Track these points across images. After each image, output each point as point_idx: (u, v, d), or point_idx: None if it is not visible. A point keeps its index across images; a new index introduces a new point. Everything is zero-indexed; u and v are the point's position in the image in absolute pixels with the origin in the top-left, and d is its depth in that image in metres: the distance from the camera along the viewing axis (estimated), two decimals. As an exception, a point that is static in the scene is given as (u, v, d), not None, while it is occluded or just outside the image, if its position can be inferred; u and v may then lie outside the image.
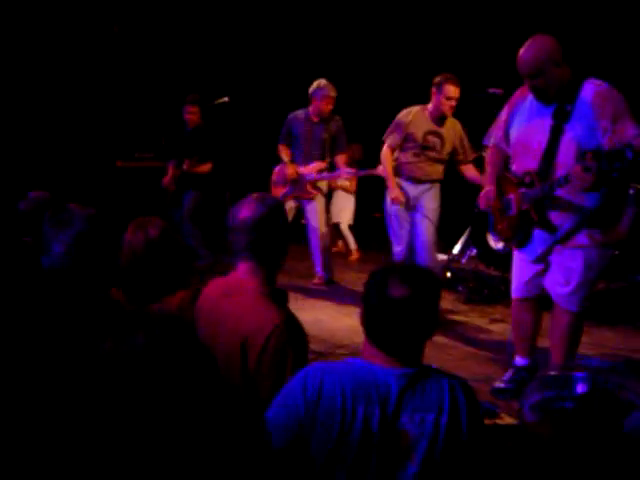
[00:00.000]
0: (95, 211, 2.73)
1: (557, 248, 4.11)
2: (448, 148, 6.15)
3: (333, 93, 6.88)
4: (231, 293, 2.58)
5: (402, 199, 6.07)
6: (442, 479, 2.04)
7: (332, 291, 6.98)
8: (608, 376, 4.33)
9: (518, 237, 4.29)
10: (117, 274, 2.82)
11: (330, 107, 6.93)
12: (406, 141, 6.10)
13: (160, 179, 7.85)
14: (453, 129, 6.19)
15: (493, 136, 4.46)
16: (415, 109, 6.13)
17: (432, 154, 6.10)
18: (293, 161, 7.10)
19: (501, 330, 5.86)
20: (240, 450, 1.97)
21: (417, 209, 6.20)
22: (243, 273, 2.61)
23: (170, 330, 1.76)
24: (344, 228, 8.81)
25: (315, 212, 7.10)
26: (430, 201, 6.22)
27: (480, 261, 7.38)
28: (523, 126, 4.16)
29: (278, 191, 7.10)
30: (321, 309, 6.33)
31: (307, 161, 7.03)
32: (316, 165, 7.00)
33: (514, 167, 4.26)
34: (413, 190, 6.18)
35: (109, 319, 2.42)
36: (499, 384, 4.47)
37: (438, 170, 6.20)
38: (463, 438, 2.06)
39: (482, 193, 4.49)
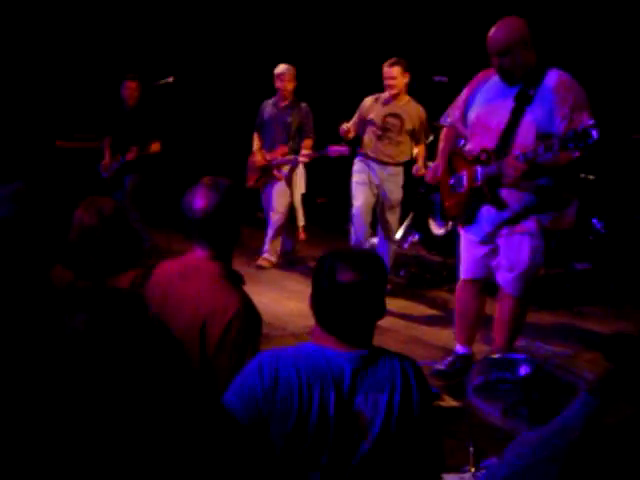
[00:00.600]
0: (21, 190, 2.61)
1: (505, 232, 4.16)
2: (408, 127, 6.37)
3: (287, 71, 6.99)
4: (188, 275, 2.57)
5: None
6: (393, 455, 2.08)
7: (274, 274, 6.96)
8: (549, 358, 4.44)
9: (465, 215, 4.33)
10: (63, 251, 2.75)
11: (287, 85, 7.01)
12: (368, 125, 6.37)
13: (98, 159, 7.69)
14: (415, 111, 6.46)
15: (450, 115, 4.50)
16: (377, 95, 6.45)
17: (392, 135, 6.33)
18: (263, 147, 7.25)
19: (442, 314, 5.93)
20: (199, 433, 1.95)
21: (383, 196, 6.46)
22: (201, 257, 2.60)
23: (118, 308, 1.72)
24: (296, 200, 8.75)
25: (277, 193, 7.19)
26: (394, 191, 6.50)
27: (422, 246, 7.45)
28: (484, 107, 4.21)
29: (251, 179, 7.29)
30: (263, 292, 6.30)
31: (274, 146, 7.16)
32: (280, 149, 7.10)
33: (469, 147, 4.30)
34: (379, 171, 6.40)
35: (48, 298, 2.38)
36: (439, 366, 4.53)
37: (403, 151, 6.44)
38: (414, 414, 2.10)
39: (431, 167, 4.51)
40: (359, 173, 6.50)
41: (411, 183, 7.77)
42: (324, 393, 2.03)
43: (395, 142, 6.40)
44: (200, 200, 2.57)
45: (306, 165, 7.26)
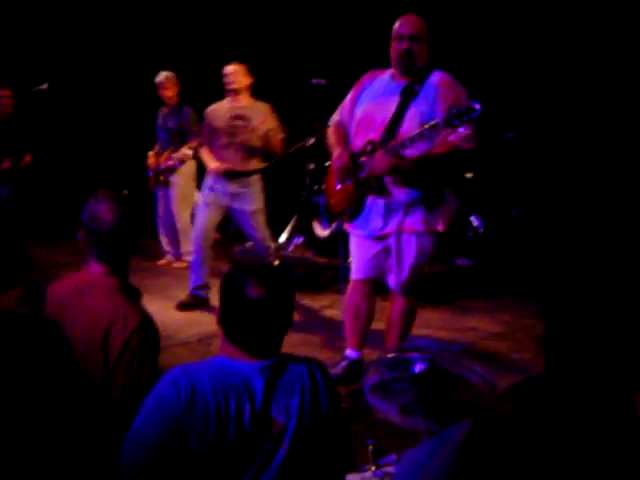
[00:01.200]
0: None
1: (393, 230, 4.22)
2: (258, 127, 6.13)
3: (164, 79, 7.12)
4: (85, 291, 2.54)
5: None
6: (306, 456, 2.12)
7: (160, 282, 6.84)
8: (442, 354, 4.52)
9: (352, 209, 4.36)
10: None
11: (166, 93, 7.17)
12: (212, 133, 6.21)
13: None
14: (262, 108, 6.26)
15: (338, 114, 4.55)
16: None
17: (241, 137, 6.09)
18: (158, 152, 7.43)
19: (331, 316, 5.98)
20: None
21: (236, 211, 6.29)
22: (97, 272, 2.58)
23: (28, 337, 1.66)
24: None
25: (171, 197, 7.42)
26: (248, 204, 6.27)
27: (307, 249, 7.48)
28: (371, 103, 4.29)
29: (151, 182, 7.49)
30: (149, 301, 6.17)
31: (162, 151, 7.34)
32: (164, 154, 7.26)
33: (354, 143, 4.35)
34: (228, 187, 6.18)
35: None
36: (336, 371, 4.52)
37: (253, 160, 6.22)
38: (323, 413, 2.16)
39: (335, 157, 4.43)
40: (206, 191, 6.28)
41: (294, 186, 7.84)
42: (239, 405, 2.04)
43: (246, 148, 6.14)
44: (108, 214, 2.54)
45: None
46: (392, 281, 4.34)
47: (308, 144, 7.46)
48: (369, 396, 3.15)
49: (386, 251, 4.31)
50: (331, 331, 5.49)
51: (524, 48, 7.49)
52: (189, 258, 7.07)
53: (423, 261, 4.30)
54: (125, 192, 2.71)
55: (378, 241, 4.31)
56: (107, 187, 2.66)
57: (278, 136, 6.27)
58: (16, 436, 1.65)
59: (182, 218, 7.45)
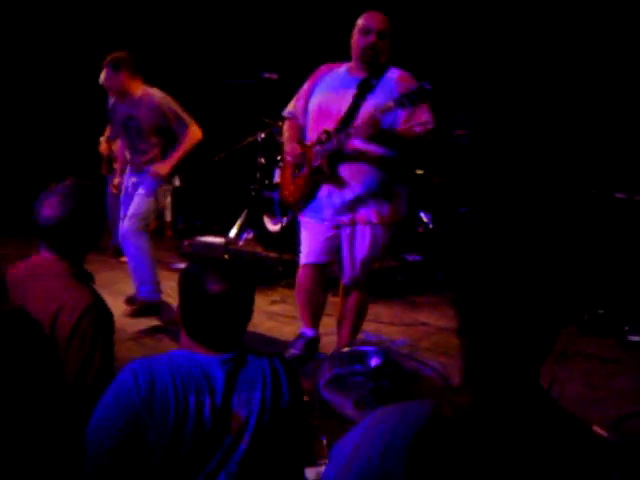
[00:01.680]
0: None
1: (346, 220, 4.24)
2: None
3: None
4: (37, 275, 2.51)
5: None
6: (267, 450, 2.10)
7: (107, 275, 6.73)
8: (395, 347, 4.56)
9: (305, 198, 4.36)
10: None
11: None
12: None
13: None
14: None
15: (292, 107, 4.55)
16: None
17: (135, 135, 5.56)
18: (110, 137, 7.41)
19: (281, 310, 5.95)
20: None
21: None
22: (48, 255, 2.55)
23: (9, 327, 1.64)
24: None
25: None
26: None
27: (257, 243, 7.45)
28: (326, 95, 4.29)
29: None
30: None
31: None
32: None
33: (308, 135, 4.36)
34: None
35: None
36: (293, 351, 4.51)
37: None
38: (285, 407, 2.14)
39: (287, 151, 4.46)
40: None
41: (245, 180, 7.81)
42: (199, 398, 2.01)
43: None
44: (48, 208, 2.50)
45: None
46: (345, 274, 4.36)
47: (259, 138, 7.44)
48: (323, 390, 3.17)
49: (338, 241, 4.32)
50: (283, 325, 5.48)
51: (477, 43, 7.58)
52: None
53: (375, 254, 4.32)
54: (88, 184, 2.64)
55: (330, 228, 4.31)
56: (65, 176, 2.60)
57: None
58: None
59: None
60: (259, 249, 7.36)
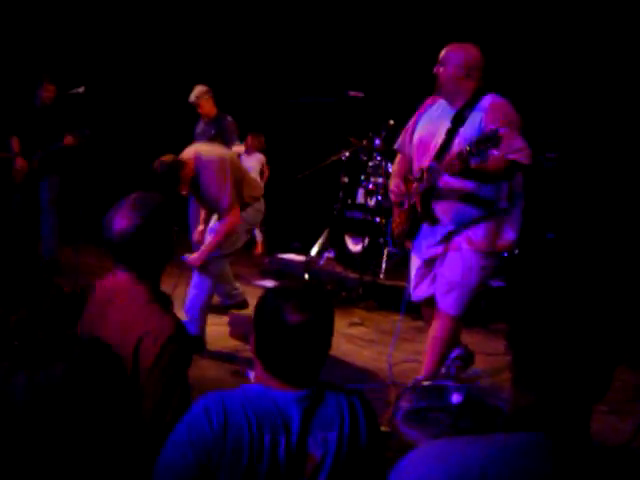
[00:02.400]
0: None
1: (440, 251, 4.18)
2: None
3: (195, 100, 7.13)
4: (115, 299, 2.37)
5: None
6: None
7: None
8: (476, 383, 4.43)
9: (407, 233, 4.38)
10: None
11: (202, 111, 7.18)
12: None
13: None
14: None
15: (400, 140, 4.56)
16: None
17: None
18: None
19: (360, 333, 5.86)
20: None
21: None
22: (125, 277, 2.40)
23: (90, 356, 1.62)
24: None
25: None
26: None
27: (338, 263, 7.39)
28: (425, 129, 4.26)
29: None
30: (178, 311, 6.14)
31: None
32: None
33: (414, 169, 4.33)
34: None
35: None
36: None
37: None
38: (363, 448, 2.02)
39: (390, 187, 4.49)
40: None
41: (327, 199, 7.78)
42: (274, 436, 1.91)
43: None
44: (120, 221, 2.36)
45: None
46: (438, 297, 4.29)
47: (343, 157, 7.39)
48: (401, 424, 3.07)
49: (432, 269, 4.31)
50: (361, 349, 5.39)
51: (570, 67, 7.40)
52: None
53: (471, 281, 4.20)
54: (159, 195, 2.51)
55: (429, 265, 4.31)
56: (141, 191, 2.51)
57: None
58: (70, 457, 1.60)
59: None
60: (339, 269, 7.29)
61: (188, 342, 2.38)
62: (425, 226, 4.23)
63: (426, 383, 3.25)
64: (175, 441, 1.93)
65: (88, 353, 1.67)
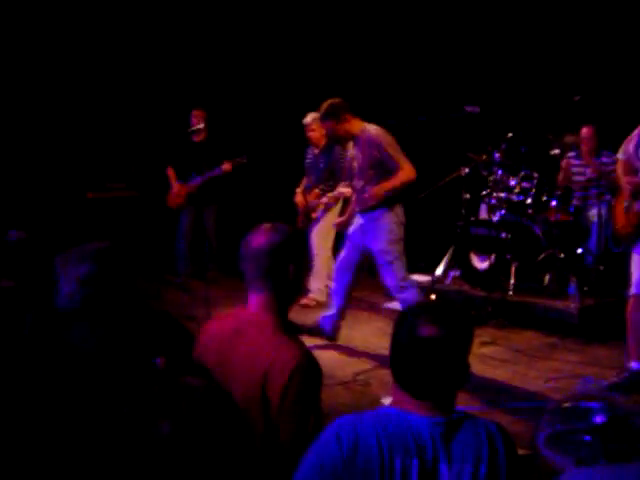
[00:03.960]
0: (106, 247, 2.51)
1: None
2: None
3: (310, 121, 7.15)
4: (244, 329, 2.39)
5: None
6: None
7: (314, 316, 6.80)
8: (623, 403, 4.24)
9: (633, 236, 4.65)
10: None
11: (313, 135, 7.22)
12: None
13: (131, 208, 7.89)
14: None
15: (624, 151, 4.76)
16: None
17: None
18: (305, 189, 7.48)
19: (492, 353, 5.73)
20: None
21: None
22: (255, 306, 2.42)
23: (199, 410, 1.62)
24: None
25: (313, 232, 7.23)
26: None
27: (464, 281, 7.26)
28: None
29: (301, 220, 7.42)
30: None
31: (309, 189, 7.39)
32: (313, 192, 7.34)
33: None
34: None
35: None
36: (614, 379, 4.68)
37: None
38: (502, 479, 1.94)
39: (626, 181, 4.73)
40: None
41: (450, 216, 7.67)
42: (406, 461, 1.87)
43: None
44: (258, 238, 2.42)
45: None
46: None
47: (463, 173, 7.28)
48: (543, 447, 2.95)
49: None
50: (495, 369, 5.25)
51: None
52: (315, 295, 7.14)
53: None
54: (290, 227, 2.56)
55: None
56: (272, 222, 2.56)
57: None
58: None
59: (321, 252, 7.19)
60: (466, 287, 7.16)
61: (315, 370, 2.34)
62: None
63: (567, 404, 3.12)
64: (306, 467, 1.92)
65: (199, 407, 1.65)
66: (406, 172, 5.35)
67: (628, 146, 4.66)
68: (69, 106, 8.67)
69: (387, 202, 5.39)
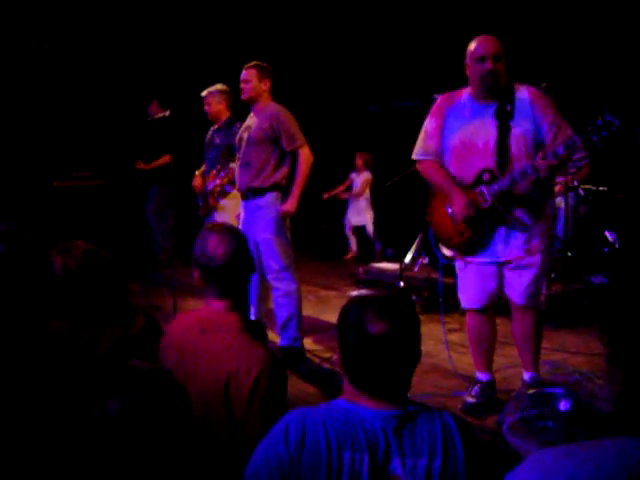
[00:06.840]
0: (12, 230, 2.47)
1: (514, 257, 4.15)
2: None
3: (206, 94, 6.46)
4: (208, 329, 2.40)
5: None
6: None
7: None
8: (581, 384, 4.29)
9: (474, 241, 4.22)
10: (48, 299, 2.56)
11: (207, 108, 6.49)
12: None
13: (97, 197, 7.93)
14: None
15: (424, 147, 4.37)
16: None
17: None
18: (205, 172, 6.62)
19: (459, 340, 5.74)
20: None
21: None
22: (219, 309, 2.45)
23: (149, 391, 1.60)
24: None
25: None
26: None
27: (433, 269, 7.27)
28: (464, 129, 4.15)
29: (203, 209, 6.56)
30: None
31: (209, 171, 6.51)
32: (211, 174, 6.43)
33: (454, 172, 4.22)
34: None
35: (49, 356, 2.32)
36: (470, 400, 4.35)
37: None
38: (461, 472, 1.88)
39: (460, 206, 4.16)
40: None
41: (419, 204, 7.67)
42: (356, 455, 1.82)
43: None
44: (218, 247, 2.44)
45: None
46: (517, 296, 4.19)
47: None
48: (508, 434, 2.96)
49: (501, 281, 4.26)
50: (462, 355, 5.27)
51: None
52: None
53: (545, 273, 4.29)
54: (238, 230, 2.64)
55: (497, 267, 4.21)
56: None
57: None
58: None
59: None
60: (434, 275, 7.17)
61: (281, 372, 2.35)
62: (501, 229, 4.14)
63: (530, 391, 3.14)
64: (255, 459, 1.89)
65: (148, 389, 1.63)
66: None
67: (429, 142, 4.29)
68: (35, 94, 8.57)
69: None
